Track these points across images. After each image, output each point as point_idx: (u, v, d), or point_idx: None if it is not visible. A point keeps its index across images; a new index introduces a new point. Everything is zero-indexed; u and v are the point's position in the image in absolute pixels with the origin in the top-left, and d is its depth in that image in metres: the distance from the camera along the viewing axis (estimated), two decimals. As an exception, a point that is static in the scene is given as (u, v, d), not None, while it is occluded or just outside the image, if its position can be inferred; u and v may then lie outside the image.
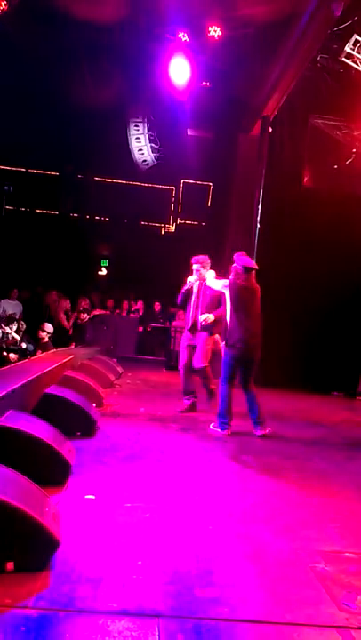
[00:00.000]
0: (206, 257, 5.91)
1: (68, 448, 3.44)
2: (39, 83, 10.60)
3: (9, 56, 9.38)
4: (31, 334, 8.46)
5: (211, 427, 5.08)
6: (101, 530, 2.54)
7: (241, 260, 5.12)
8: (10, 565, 1.98)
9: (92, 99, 10.79)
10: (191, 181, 15.73)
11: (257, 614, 1.91)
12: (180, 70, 9.09)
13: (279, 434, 5.16)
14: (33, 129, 12.20)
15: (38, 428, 3.34)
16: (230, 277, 5.10)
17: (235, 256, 5.23)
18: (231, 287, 5.03)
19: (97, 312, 11.34)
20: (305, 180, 10.04)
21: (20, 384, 4.04)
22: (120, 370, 8.21)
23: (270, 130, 9.29)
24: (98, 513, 2.75)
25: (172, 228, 16.35)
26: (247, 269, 5.06)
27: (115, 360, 8.58)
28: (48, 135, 12.69)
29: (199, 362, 5.79)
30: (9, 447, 2.98)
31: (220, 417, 5.02)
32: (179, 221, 16.31)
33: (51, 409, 4.15)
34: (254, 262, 5.42)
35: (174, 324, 11.55)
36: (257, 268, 5.24)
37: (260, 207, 9.29)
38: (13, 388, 3.81)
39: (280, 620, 1.89)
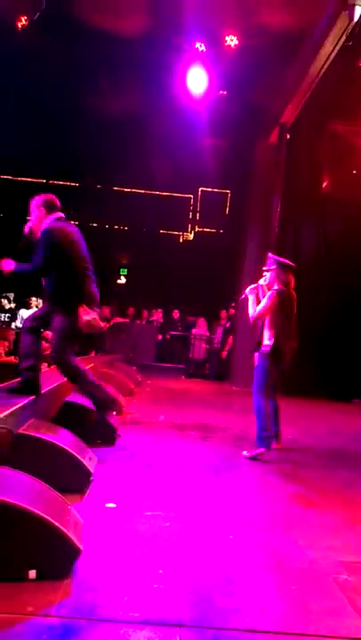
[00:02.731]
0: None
1: (88, 456, 3.47)
2: (58, 96, 10.78)
3: (27, 68, 9.57)
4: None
5: (244, 453, 4.45)
6: (122, 538, 2.55)
7: (277, 258, 4.86)
8: (32, 573, 2.00)
9: (110, 110, 10.93)
10: (209, 189, 15.79)
11: (278, 625, 1.89)
12: (197, 80, 9.17)
13: (300, 442, 5.11)
14: (52, 141, 12.40)
15: (59, 436, 3.38)
16: (267, 280, 4.80)
17: (269, 255, 4.99)
18: (277, 292, 4.67)
19: (116, 320, 11.42)
20: (324, 186, 10.00)
21: (41, 392, 4.08)
22: (139, 378, 8.25)
23: (288, 137, 9.29)
24: (118, 521, 2.76)
25: (191, 236, 16.42)
26: (287, 267, 4.78)
27: (134, 368, 8.62)
28: (68, 147, 12.88)
29: None
30: (31, 455, 3.01)
31: (262, 431, 4.45)
32: (197, 229, 16.37)
33: (71, 417, 4.19)
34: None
35: (194, 331, 11.58)
36: (294, 265, 4.88)
37: (278, 214, 9.27)
38: (32, 396, 3.85)
39: (302, 631, 1.87)
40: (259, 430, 4.47)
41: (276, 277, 4.72)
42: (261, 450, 4.41)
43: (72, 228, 4.05)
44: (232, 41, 8.65)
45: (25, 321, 4.34)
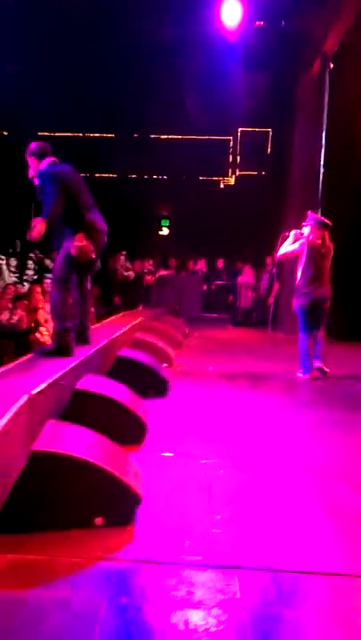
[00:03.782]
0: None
1: (143, 408, 3.59)
2: (87, 40, 10.42)
3: (54, 20, 9.30)
4: (105, 299, 8.71)
5: (299, 375, 5.44)
6: (179, 485, 2.66)
7: (315, 216, 5.63)
8: (98, 521, 2.13)
9: (142, 53, 10.53)
10: (249, 129, 15.15)
11: (334, 567, 1.96)
12: (231, 12, 8.66)
13: (352, 386, 5.09)
14: (87, 92, 12.13)
15: (114, 390, 3.51)
16: (304, 233, 5.49)
17: (308, 213, 5.69)
18: (307, 244, 5.41)
19: (161, 273, 11.45)
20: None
21: (95, 349, 4.21)
22: (187, 329, 8.33)
23: (331, 66, 8.70)
24: (175, 469, 2.88)
25: (232, 181, 15.95)
26: (324, 225, 5.49)
27: (181, 320, 8.70)
28: (101, 97, 12.59)
29: None
30: (88, 410, 3.14)
31: (302, 361, 5.43)
32: (238, 173, 15.86)
33: (124, 371, 4.31)
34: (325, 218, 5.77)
35: (239, 279, 11.48)
36: (330, 224, 5.54)
37: (323, 151, 8.84)
38: (89, 352, 3.98)
39: (356, 572, 1.92)
40: (300, 360, 5.43)
41: (312, 232, 5.43)
42: (305, 375, 5.36)
43: (66, 166, 4.11)
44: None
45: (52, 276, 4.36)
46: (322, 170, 8.85)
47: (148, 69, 11.76)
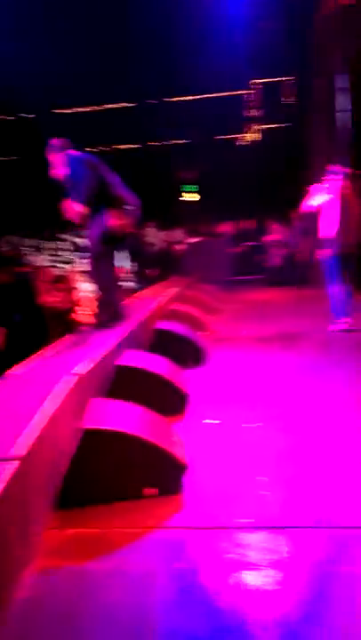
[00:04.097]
0: None
1: (182, 378, 3.64)
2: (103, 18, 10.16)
3: None
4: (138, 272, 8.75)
5: (331, 328, 5.59)
6: (223, 451, 2.71)
7: (339, 168, 5.74)
8: (148, 491, 2.21)
9: (158, 17, 10.20)
10: (270, 80, 14.59)
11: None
12: None
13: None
14: (106, 69, 11.90)
15: (154, 363, 3.57)
16: (329, 186, 5.59)
17: (332, 165, 5.81)
18: (333, 195, 5.51)
19: (190, 240, 11.36)
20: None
21: (133, 323, 4.27)
22: (220, 295, 8.30)
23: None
24: (218, 436, 2.92)
25: (253, 137, 15.50)
26: (346, 175, 5.63)
27: (214, 286, 8.67)
28: (119, 67, 12.33)
29: None
30: (130, 384, 3.22)
31: (334, 314, 5.60)
32: (260, 127, 15.38)
33: (162, 343, 4.38)
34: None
35: (269, 238, 11.27)
36: (350, 171, 5.73)
37: (349, 95, 8.42)
38: (131, 328, 4.05)
39: None
40: (332, 317, 5.61)
41: (336, 183, 5.54)
42: (340, 325, 5.52)
43: (87, 154, 4.30)
44: None
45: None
46: (350, 117, 8.46)
47: (165, 33, 11.40)
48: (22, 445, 1.65)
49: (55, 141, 4.15)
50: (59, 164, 4.11)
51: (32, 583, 1.61)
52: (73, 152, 4.13)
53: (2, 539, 1.41)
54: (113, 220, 4.01)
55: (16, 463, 1.54)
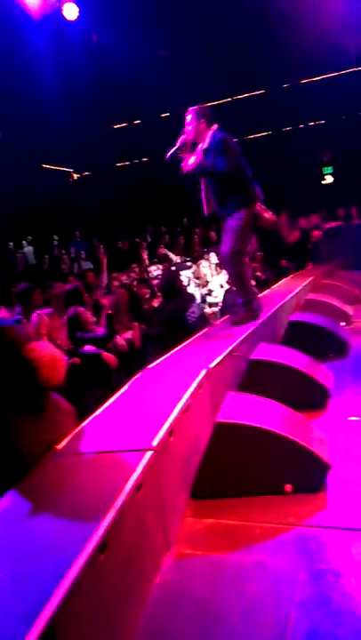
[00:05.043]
0: None
1: (322, 372, 3.50)
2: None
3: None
4: (272, 263, 8.64)
5: None
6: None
7: None
8: (288, 487, 2.18)
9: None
10: None
11: None
12: None
13: None
14: (227, 53, 11.88)
15: (290, 357, 3.48)
16: None
17: None
18: None
19: (329, 225, 10.85)
20: None
21: (265, 316, 4.21)
22: (364, 282, 7.79)
23: None
24: (363, 434, 2.77)
25: None
26: None
27: (357, 273, 8.18)
28: (239, 57, 12.19)
29: None
30: (266, 379, 3.18)
31: None
32: None
33: (298, 336, 4.26)
34: None
35: None
36: None
37: None
38: (260, 321, 4.00)
39: None
40: None
41: None
42: None
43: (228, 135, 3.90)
44: None
45: (221, 254, 4.13)
46: None
47: (286, 16, 11.02)
48: (155, 437, 1.74)
49: (205, 107, 3.79)
50: (194, 131, 3.72)
51: (172, 568, 1.69)
52: (218, 129, 3.72)
53: (140, 524, 1.51)
54: (266, 215, 3.86)
55: (150, 453, 1.63)
